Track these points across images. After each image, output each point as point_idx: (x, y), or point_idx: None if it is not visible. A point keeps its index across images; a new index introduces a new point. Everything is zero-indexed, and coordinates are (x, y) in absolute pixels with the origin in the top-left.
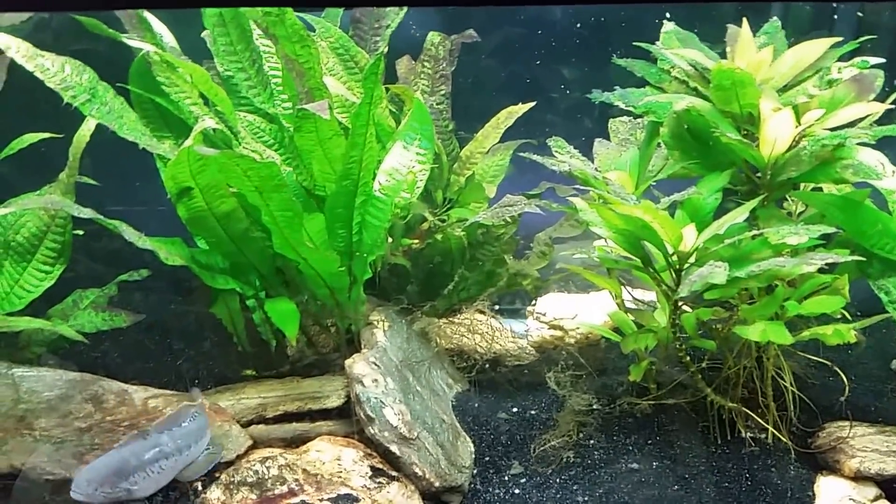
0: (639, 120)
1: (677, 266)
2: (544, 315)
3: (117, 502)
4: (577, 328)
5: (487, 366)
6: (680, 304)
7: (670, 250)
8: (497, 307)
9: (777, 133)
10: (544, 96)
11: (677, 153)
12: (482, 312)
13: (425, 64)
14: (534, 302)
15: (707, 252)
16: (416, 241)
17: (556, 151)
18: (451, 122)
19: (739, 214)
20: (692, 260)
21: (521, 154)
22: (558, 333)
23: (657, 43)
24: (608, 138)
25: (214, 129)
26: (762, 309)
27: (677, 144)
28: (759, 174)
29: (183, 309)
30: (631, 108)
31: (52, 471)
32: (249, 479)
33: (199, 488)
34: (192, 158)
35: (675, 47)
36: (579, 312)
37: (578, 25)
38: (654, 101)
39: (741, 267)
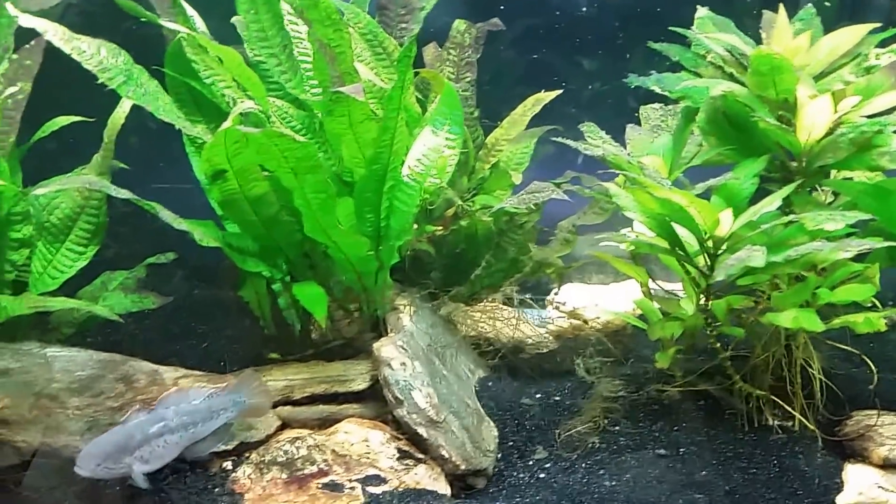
0: (670, 106)
1: (712, 251)
2: (564, 304)
3: (122, 477)
4: (598, 317)
5: (509, 353)
6: (711, 290)
7: (705, 235)
8: (516, 295)
9: (815, 119)
10: (567, 85)
11: (713, 139)
12: (510, 298)
13: (451, 51)
14: (556, 290)
15: (742, 238)
16: (441, 227)
17: (589, 137)
18: (476, 110)
19: (775, 200)
20: (727, 245)
21: (555, 139)
22: (577, 322)
23: (692, 28)
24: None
25: (246, 113)
26: (794, 296)
27: (714, 130)
28: (794, 161)
29: (207, 292)
30: (667, 93)
31: None
32: (280, 459)
33: (230, 467)
34: (228, 140)
35: (710, 32)
36: (599, 302)
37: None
38: (692, 85)
39: (778, 252)
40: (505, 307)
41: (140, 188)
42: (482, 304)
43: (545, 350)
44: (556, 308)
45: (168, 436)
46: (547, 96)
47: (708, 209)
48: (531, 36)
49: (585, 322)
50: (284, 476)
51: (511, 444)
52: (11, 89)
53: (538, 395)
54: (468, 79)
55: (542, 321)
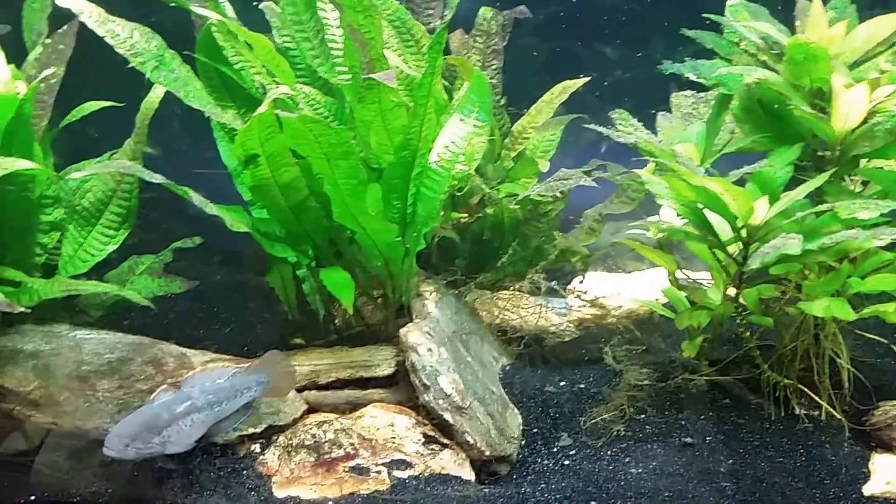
0: (702, 94)
1: (746, 239)
2: (585, 293)
3: (150, 457)
4: (620, 306)
5: (532, 341)
6: (744, 278)
7: (739, 223)
8: (544, 283)
9: (850, 108)
10: (592, 73)
11: (747, 126)
12: (538, 287)
13: (477, 39)
14: (581, 279)
15: (775, 226)
16: (466, 215)
17: (620, 124)
18: (502, 97)
19: (810, 188)
20: (761, 234)
21: (586, 126)
22: (599, 312)
23: (726, 14)
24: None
25: (274, 100)
26: (826, 285)
27: (748, 117)
28: (826, 150)
29: (231, 278)
30: (702, 80)
31: None
32: (307, 443)
33: (258, 450)
34: (262, 125)
35: (744, 20)
36: (621, 291)
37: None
38: (728, 72)
39: (813, 240)
40: (527, 295)
41: (179, 173)
42: (506, 291)
43: (567, 338)
44: (578, 297)
45: (194, 415)
46: (574, 84)
47: (743, 197)
48: (556, 24)
49: (607, 311)
50: (312, 459)
51: (535, 431)
52: (47, 71)
53: (562, 383)
54: (494, 66)
55: (564, 310)
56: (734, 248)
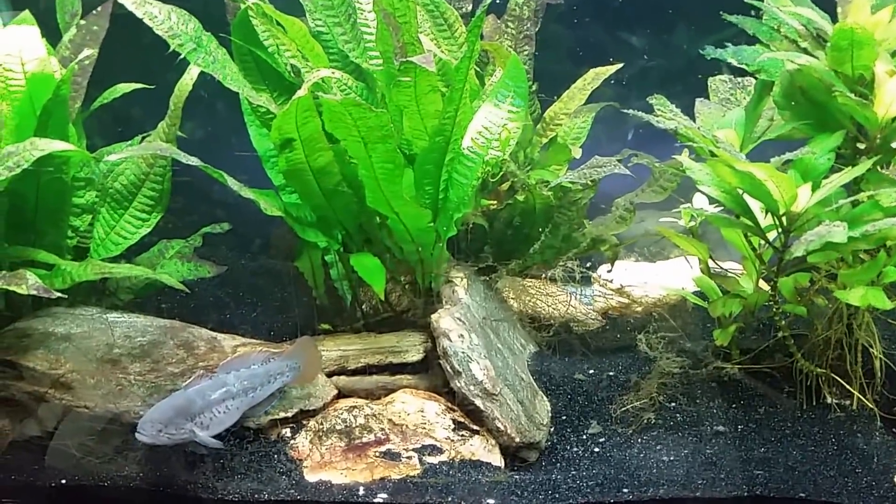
0: (739, 80)
1: (786, 226)
2: (611, 282)
3: (183, 443)
4: (645, 295)
5: (559, 329)
6: (783, 265)
7: (781, 210)
8: (578, 269)
9: (894, 96)
10: (627, 60)
11: (788, 113)
12: (572, 275)
13: (509, 24)
14: (611, 268)
15: (815, 213)
16: (495, 202)
17: (659, 110)
18: (534, 83)
19: (853, 176)
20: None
21: (625, 110)
22: (625, 301)
23: (766, 1)
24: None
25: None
26: (863, 274)
27: (789, 104)
28: (866, 138)
29: (257, 263)
30: (744, 66)
31: None
32: (338, 427)
33: (289, 435)
34: (300, 109)
35: (785, 6)
36: (647, 280)
37: None
38: (771, 58)
39: (856, 227)
40: (553, 283)
41: (220, 156)
42: (534, 279)
43: (594, 327)
44: (604, 285)
45: (229, 401)
46: (606, 70)
47: (787, 183)
48: (584, 11)
49: (633, 300)
50: (343, 444)
51: (564, 418)
52: (85, 52)
53: (591, 371)
54: (526, 52)
55: (589, 298)
56: (771, 236)
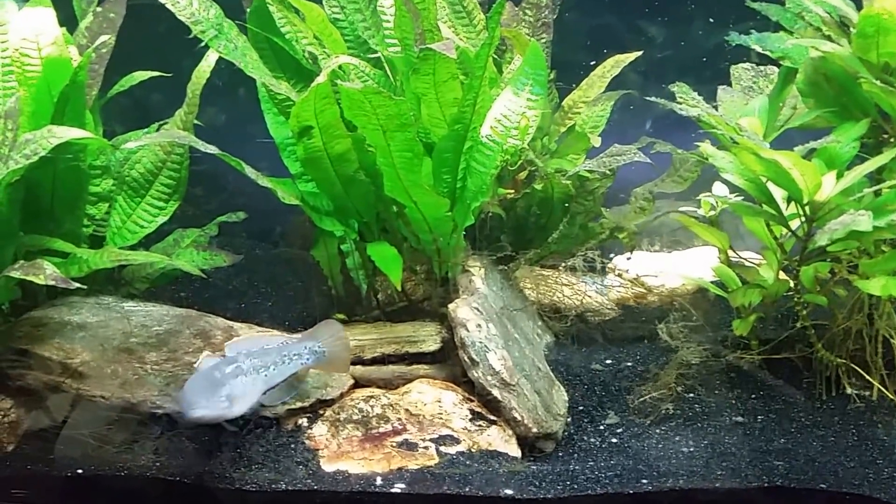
0: (762, 68)
1: (809, 215)
2: (627, 271)
3: (220, 419)
4: (662, 285)
5: (576, 319)
6: (808, 254)
7: (805, 199)
8: (598, 259)
9: None
10: (646, 48)
11: (812, 101)
12: (589, 263)
13: (527, 11)
14: (628, 257)
15: (838, 202)
16: (512, 191)
17: (681, 97)
18: (551, 71)
19: (878, 164)
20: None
21: (647, 98)
22: (641, 291)
23: None
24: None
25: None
26: (884, 263)
27: (813, 92)
28: (891, 126)
29: (273, 252)
30: (768, 52)
31: (164, 404)
32: (355, 417)
33: (305, 424)
34: (318, 96)
35: None
36: (663, 270)
37: None
38: (796, 45)
39: (881, 216)
40: (571, 273)
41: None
42: (550, 269)
43: (611, 317)
44: (620, 275)
45: (242, 377)
46: (626, 58)
47: (812, 172)
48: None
49: (650, 290)
50: (360, 434)
51: (581, 408)
52: (102, 38)
53: (608, 361)
54: (544, 40)
55: (605, 288)
56: (793, 225)
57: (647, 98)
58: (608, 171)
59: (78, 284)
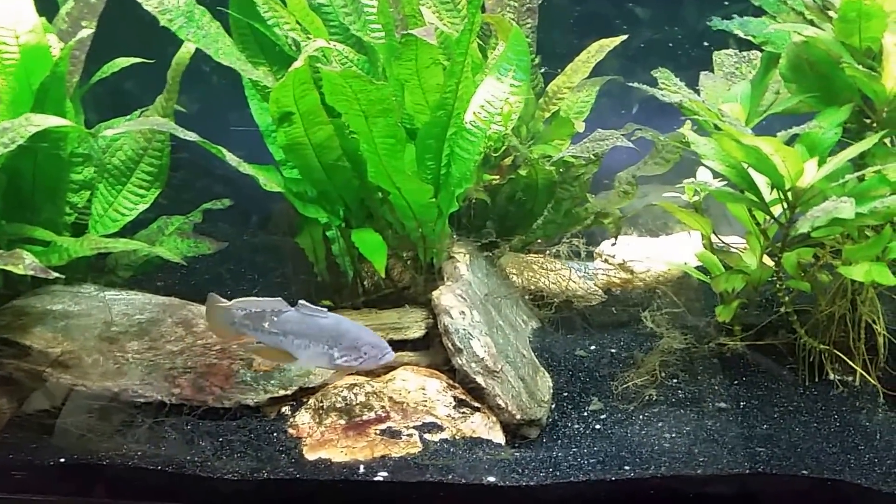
0: (745, 54)
1: (791, 202)
2: (613, 257)
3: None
4: (647, 270)
5: (561, 305)
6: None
7: (787, 185)
8: (583, 246)
9: None
10: (632, 33)
11: (795, 86)
12: (573, 249)
13: None
14: (613, 242)
15: (820, 189)
16: (497, 176)
17: (663, 83)
18: (536, 56)
19: (860, 150)
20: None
21: (631, 84)
22: (626, 276)
23: None
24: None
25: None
26: (867, 249)
27: (796, 77)
28: (874, 111)
29: (256, 239)
30: (750, 38)
31: (145, 393)
32: (338, 405)
33: (288, 412)
34: (297, 82)
35: None
36: (648, 255)
37: None
38: (778, 29)
39: (863, 203)
40: (554, 259)
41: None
42: (535, 255)
43: (596, 302)
44: (606, 261)
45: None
46: (611, 42)
47: (794, 158)
48: None
49: (636, 275)
50: (343, 422)
51: (565, 395)
52: (84, 32)
53: (592, 347)
54: (529, 25)
55: (590, 274)
56: (775, 211)
57: (630, 84)
58: (593, 157)
59: (56, 274)
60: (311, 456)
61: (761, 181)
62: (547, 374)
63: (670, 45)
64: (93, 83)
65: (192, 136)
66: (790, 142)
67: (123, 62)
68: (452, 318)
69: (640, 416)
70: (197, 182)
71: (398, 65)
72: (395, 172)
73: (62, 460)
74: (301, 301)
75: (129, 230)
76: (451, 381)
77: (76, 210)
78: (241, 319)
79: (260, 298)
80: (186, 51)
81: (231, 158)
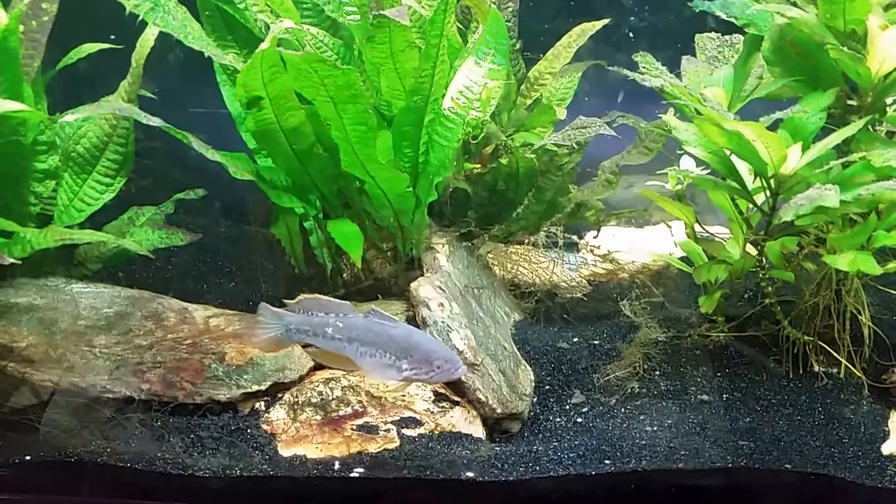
0: (727, 37)
1: (774, 189)
2: (598, 248)
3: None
4: (632, 261)
5: (544, 296)
6: (774, 229)
7: (770, 172)
8: (563, 236)
9: (888, 51)
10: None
11: (778, 70)
12: (552, 239)
13: None
14: (596, 233)
15: (804, 176)
16: (479, 165)
17: (644, 68)
18: (518, 41)
19: (845, 136)
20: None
21: (611, 69)
22: (611, 266)
23: None
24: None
25: (280, 42)
26: (852, 238)
27: (779, 60)
28: (858, 95)
29: (234, 231)
30: (732, 20)
31: (113, 389)
32: (314, 400)
33: (263, 408)
34: (265, 64)
35: None
36: (633, 246)
37: None
38: (761, 10)
39: (848, 190)
40: (540, 249)
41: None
42: (518, 245)
43: (580, 294)
44: (591, 251)
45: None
46: (593, 26)
47: (777, 144)
48: None
49: (620, 266)
50: (318, 417)
51: (548, 388)
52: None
53: (575, 339)
54: (510, 9)
55: (574, 265)
56: (758, 199)
57: (611, 69)
58: (575, 146)
59: (13, 260)
60: (285, 452)
61: (744, 168)
62: (529, 366)
63: (657, 29)
64: (59, 69)
65: (155, 122)
66: (773, 127)
67: (90, 48)
68: (431, 309)
69: (623, 409)
70: (170, 172)
71: (371, 48)
72: (369, 161)
73: (27, 458)
74: (373, 307)
75: (101, 221)
76: None
77: (41, 200)
78: (297, 325)
79: (327, 298)
80: (151, 34)
81: (198, 145)
